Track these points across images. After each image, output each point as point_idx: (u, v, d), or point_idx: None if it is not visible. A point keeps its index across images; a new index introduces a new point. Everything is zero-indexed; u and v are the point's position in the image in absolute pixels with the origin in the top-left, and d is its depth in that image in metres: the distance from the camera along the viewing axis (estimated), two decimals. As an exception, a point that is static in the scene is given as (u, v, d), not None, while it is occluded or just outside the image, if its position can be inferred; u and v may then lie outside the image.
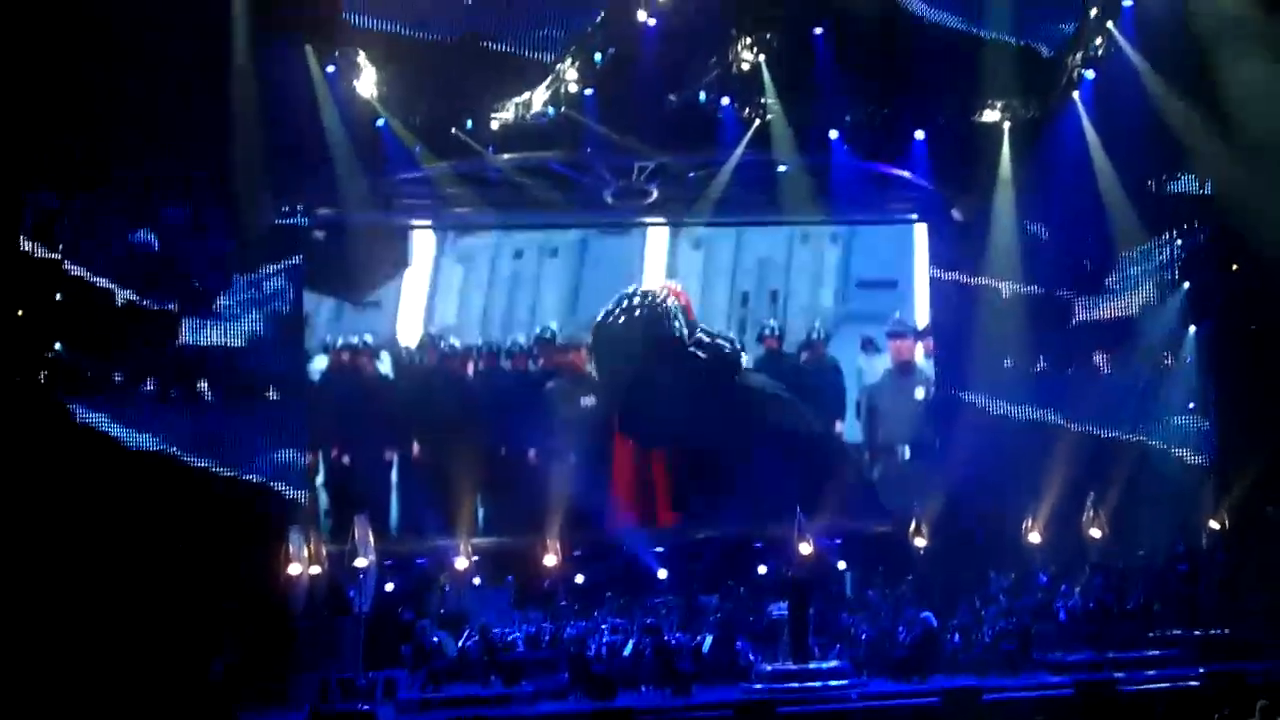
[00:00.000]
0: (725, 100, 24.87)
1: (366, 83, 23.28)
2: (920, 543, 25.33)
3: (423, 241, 26.22)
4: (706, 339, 26.62)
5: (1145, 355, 26.22)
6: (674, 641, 21.87)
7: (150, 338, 22.88)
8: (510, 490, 25.94)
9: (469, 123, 23.99)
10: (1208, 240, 25.55)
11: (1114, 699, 19.50)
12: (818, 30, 24.39)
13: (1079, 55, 25.33)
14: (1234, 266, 25.38)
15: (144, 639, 20.18)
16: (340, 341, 25.43)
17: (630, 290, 26.56)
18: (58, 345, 22.04)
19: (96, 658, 19.70)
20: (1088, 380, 26.23)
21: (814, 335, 27.04)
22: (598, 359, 26.40)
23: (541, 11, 23.67)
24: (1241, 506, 24.88)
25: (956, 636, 22.34)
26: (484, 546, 24.91)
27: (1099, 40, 25.01)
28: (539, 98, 23.88)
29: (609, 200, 25.99)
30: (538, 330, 26.24)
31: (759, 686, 21.04)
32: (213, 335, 23.43)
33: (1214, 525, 24.96)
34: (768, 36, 24.28)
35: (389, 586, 23.72)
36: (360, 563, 23.06)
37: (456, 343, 26.00)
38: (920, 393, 27.36)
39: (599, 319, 26.39)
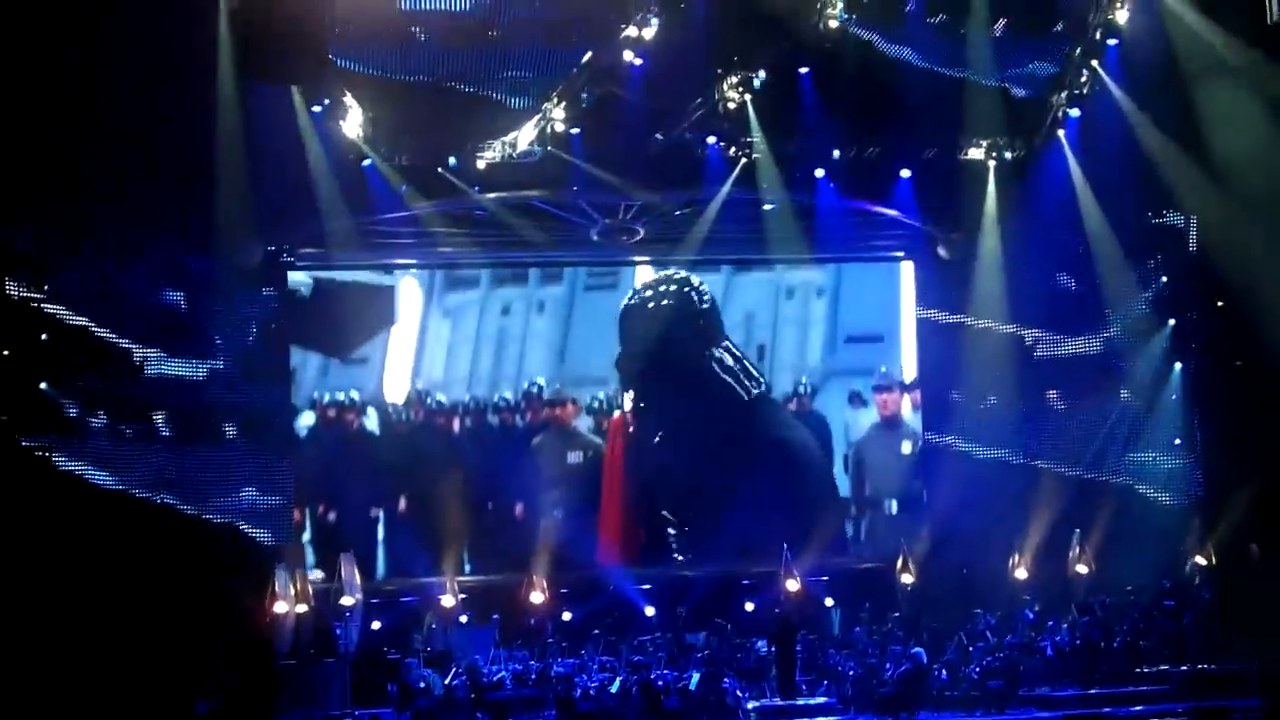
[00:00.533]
0: (711, 139, 24.99)
1: (352, 123, 23.26)
2: (907, 580, 25.33)
3: (409, 297, 26.26)
4: (731, 358, 26.85)
5: (1131, 393, 26.25)
6: (661, 679, 21.80)
7: (131, 377, 22.79)
8: (497, 534, 26.04)
9: (455, 162, 24.04)
10: (1193, 278, 25.56)
11: (1101, 735, 19.57)
12: (803, 70, 24.51)
13: (1064, 94, 25.41)
14: (1219, 304, 25.39)
15: (128, 678, 20.08)
16: (327, 398, 25.51)
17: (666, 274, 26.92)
18: (42, 385, 21.99)
19: (80, 697, 19.60)
20: (1074, 417, 26.23)
21: (800, 390, 27.18)
22: (621, 338, 26.68)
23: (528, 51, 23.79)
24: (1227, 543, 24.90)
25: (943, 673, 22.30)
26: (471, 585, 24.89)
27: (1084, 79, 25.10)
28: (525, 137, 23.87)
29: (595, 239, 26.08)
30: (525, 385, 26.32)
31: (746, 724, 21.09)
32: (195, 374, 23.37)
33: (1200, 562, 24.96)
34: (753, 76, 24.30)
35: (375, 625, 23.64)
36: (346, 601, 23.05)
37: (443, 399, 26.15)
38: (907, 446, 27.46)
39: (627, 300, 26.81)
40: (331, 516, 25.43)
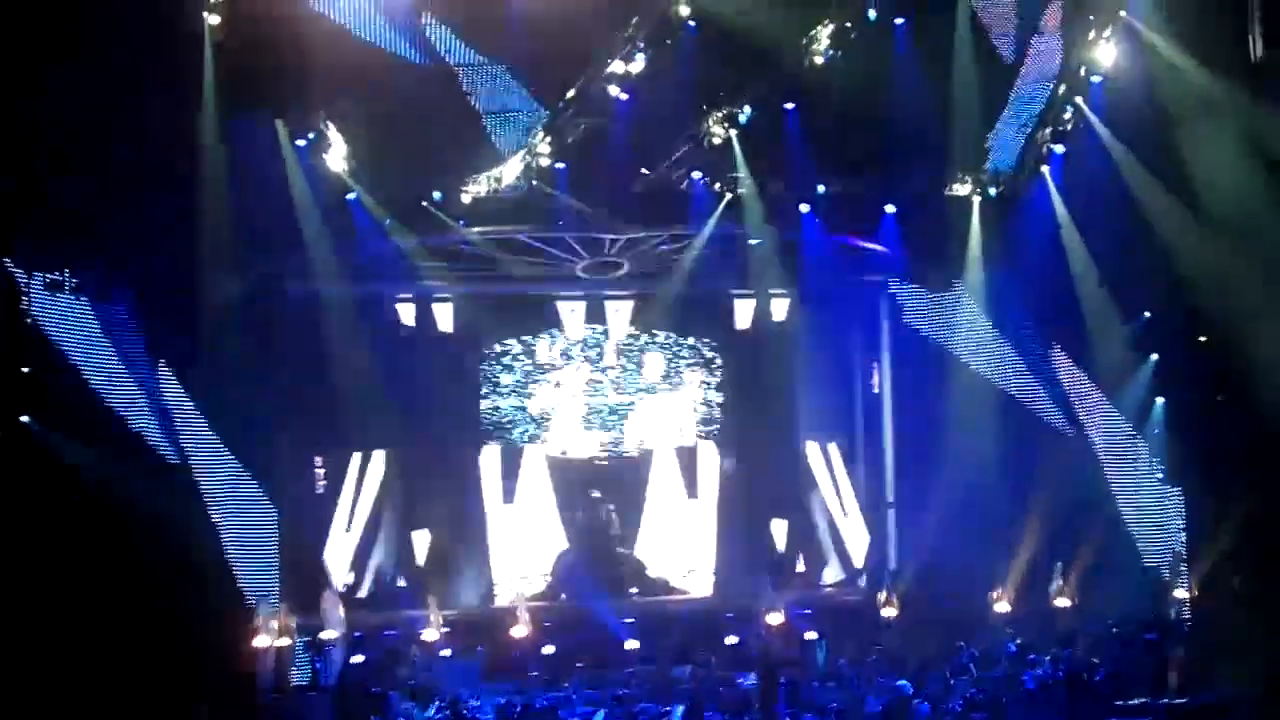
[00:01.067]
0: (696, 174, 25.00)
1: (337, 156, 23.31)
2: (889, 613, 25.39)
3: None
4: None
5: (1114, 426, 26.31)
6: (645, 713, 21.78)
7: (111, 406, 22.76)
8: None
9: (440, 196, 24.04)
10: (1176, 313, 25.63)
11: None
12: (789, 105, 24.62)
13: (1048, 130, 25.55)
14: (1202, 339, 25.48)
15: (107, 714, 20.04)
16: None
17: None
18: (24, 418, 21.92)
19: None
20: (1056, 450, 26.23)
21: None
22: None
23: (514, 86, 23.86)
24: (1210, 576, 24.98)
25: (926, 706, 22.29)
26: (454, 617, 24.88)
27: (1068, 115, 25.24)
28: (511, 171, 23.94)
29: (580, 274, 26.18)
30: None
31: (730, 756, 21.08)
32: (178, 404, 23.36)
33: (1182, 595, 25.05)
34: (739, 111, 24.41)
35: (357, 659, 23.60)
36: (328, 635, 23.05)
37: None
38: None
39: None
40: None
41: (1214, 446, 25.36)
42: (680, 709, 22.06)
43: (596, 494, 27.41)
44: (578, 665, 23.88)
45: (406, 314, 26.62)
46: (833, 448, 28.30)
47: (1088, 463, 26.26)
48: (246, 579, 23.39)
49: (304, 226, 23.42)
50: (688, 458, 28.01)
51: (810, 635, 25.09)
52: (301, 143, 23.15)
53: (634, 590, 27.03)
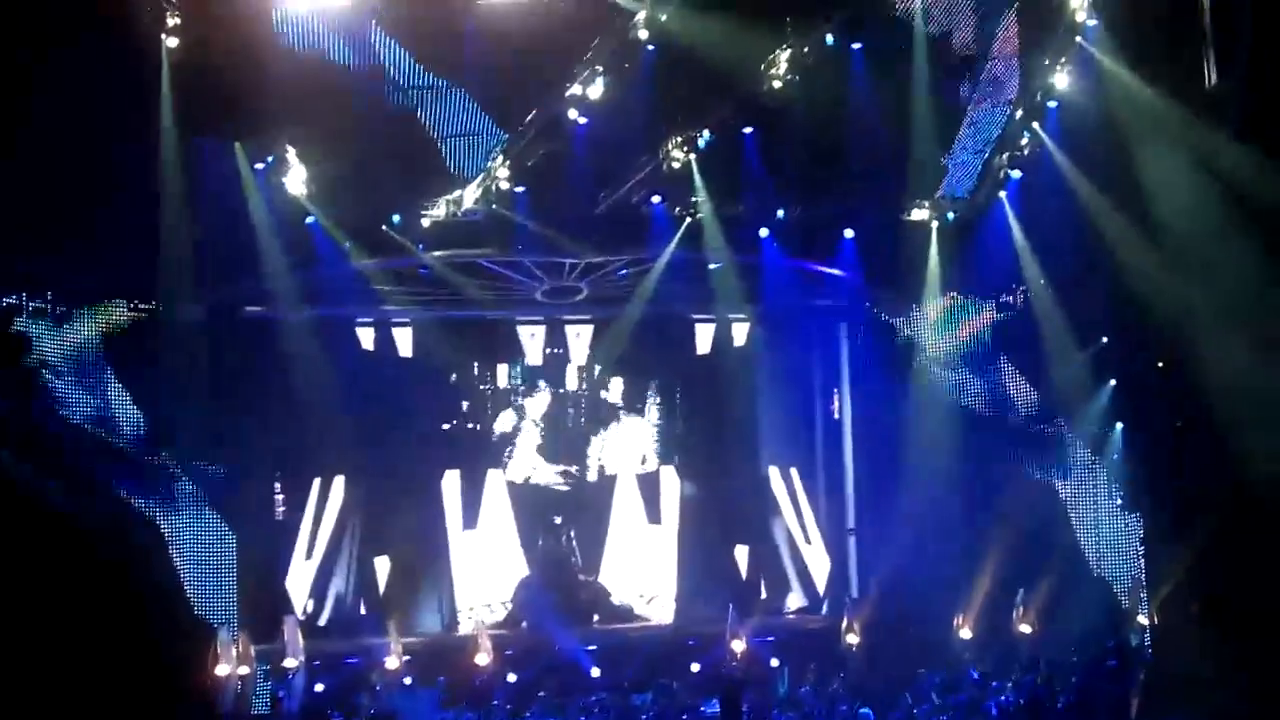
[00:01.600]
0: (656, 198, 25.05)
1: (296, 180, 23.28)
2: (852, 640, 25.37)
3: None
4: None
5: (1073, 452, 26.35)
6: (607, 740, 21.79)
7: (70, 432, 22.65)
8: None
9: (399, 220, 24.03)
10: (1133, 339, 25.70)
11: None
12: (748, 129, 24.68)
13: (1005, 155, 25.64)
14: (1159, 364, 25.55)
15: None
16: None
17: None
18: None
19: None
20: (1016, 477, 26.25)
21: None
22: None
23: (473, 109, 23.86)
24: (1169, 603, 25.00)
25: (889, 733, 22.34)
26: (415, 645, 24.77)
27: (1025, 140, 25.34)
28: (470, 195, 23.91)
29: (540, 298, 26.17)
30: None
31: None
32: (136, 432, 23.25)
33: (1142, 621, 25.08)
34: (698, 136, 24.45)
35: (319, 687, 23.50)
36: (289, 663, 22.94)
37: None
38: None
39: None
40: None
41: (1172, 472, 25.40)
42: (643, 736, 22.15)
43: (558, 520, 27.36)
44: (540, 693, 23.69)
45: (366, 338, 26.56)
46: (794, 473, 28.30)
47: (1047, 489, 26.27)
48: (206, 606, 23.26)
49: (263, 250, 23.35)
50: (649, 483, 27.98)
51: (773, 662, 25.09)
52: (260, 166, 23.10)
53: (596, 617, 26.97)
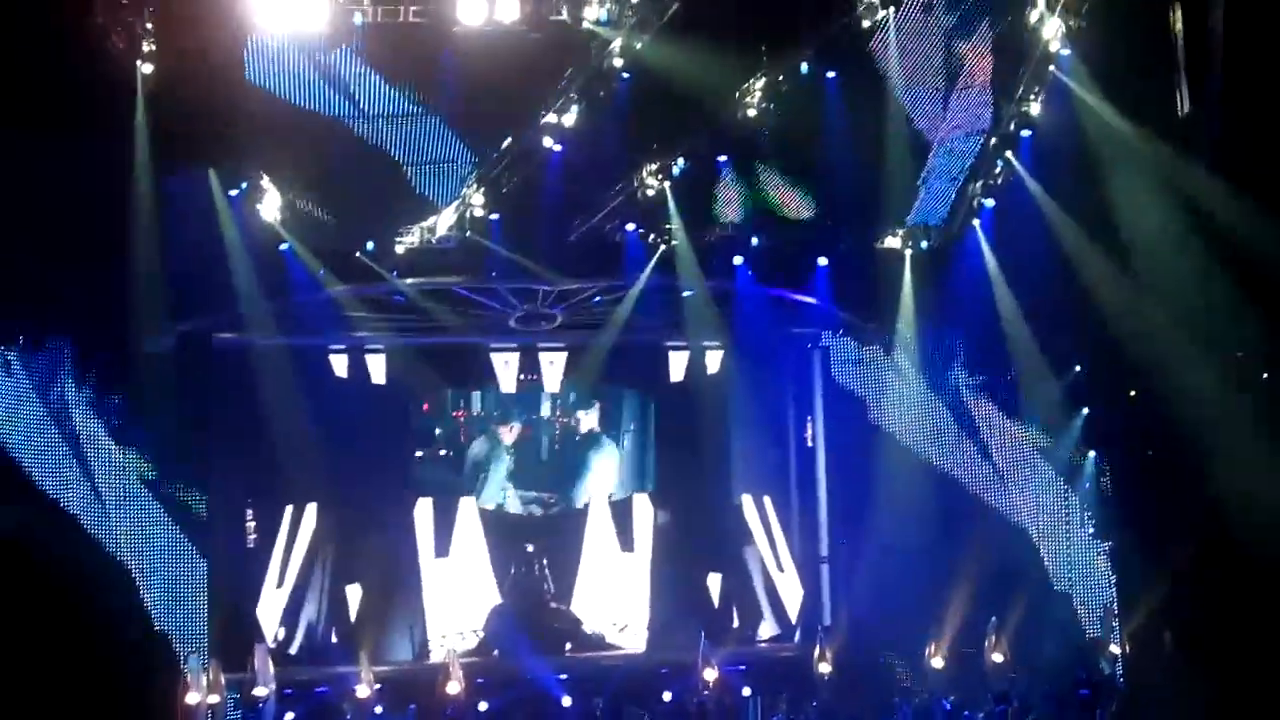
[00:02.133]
0: (630, 226, 25.09)
1: (270, 206, 23.25)
2: (825, 669, 25.33)
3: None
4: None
5: (1045, 481, 26.38)
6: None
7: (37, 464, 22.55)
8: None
9: (373, 247, 24.03)
10: (1106, 368, 25.76)
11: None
12: (722, 157, 24.76)
13: (979, 184, 25.72)
14: (1131, 394, 25.62)
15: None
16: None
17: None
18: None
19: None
20: (988, 505, 26.27)
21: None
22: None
23: (448, 137, 23.87)
24: (1141, 632, 25.05)
25: (862, 762, 22.34)
26: (386, 673, 24.67)
27: (998, 169, 25.41)
28: (444, 222, 23.95)
29: (513, 325, 26.12)
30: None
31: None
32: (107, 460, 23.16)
33: (1114, 651, 25.12)
34: (672, 163, 24.50)
35: (289, 716, 23.40)
36: (259, 692, 22.85)
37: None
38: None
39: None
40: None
41: (1145, 500, 25.45)
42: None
43: (530, 548, 27.31)
44: (511, 724, 23.76)
45: (339, 365, 26.46)
46: (767, 501, 28.25)
47: (1020, 518, 26.29)
48: (177, 635, 23.16)
49: (237, 277, 23.30)
50: (622, 511, 27.94)
51: (745, 691, 25.04)
52: (234, 193, 23.08)
53: (569, 646, 26.88)
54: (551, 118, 23.38)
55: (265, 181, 23.14)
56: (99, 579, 22.12)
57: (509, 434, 27.67)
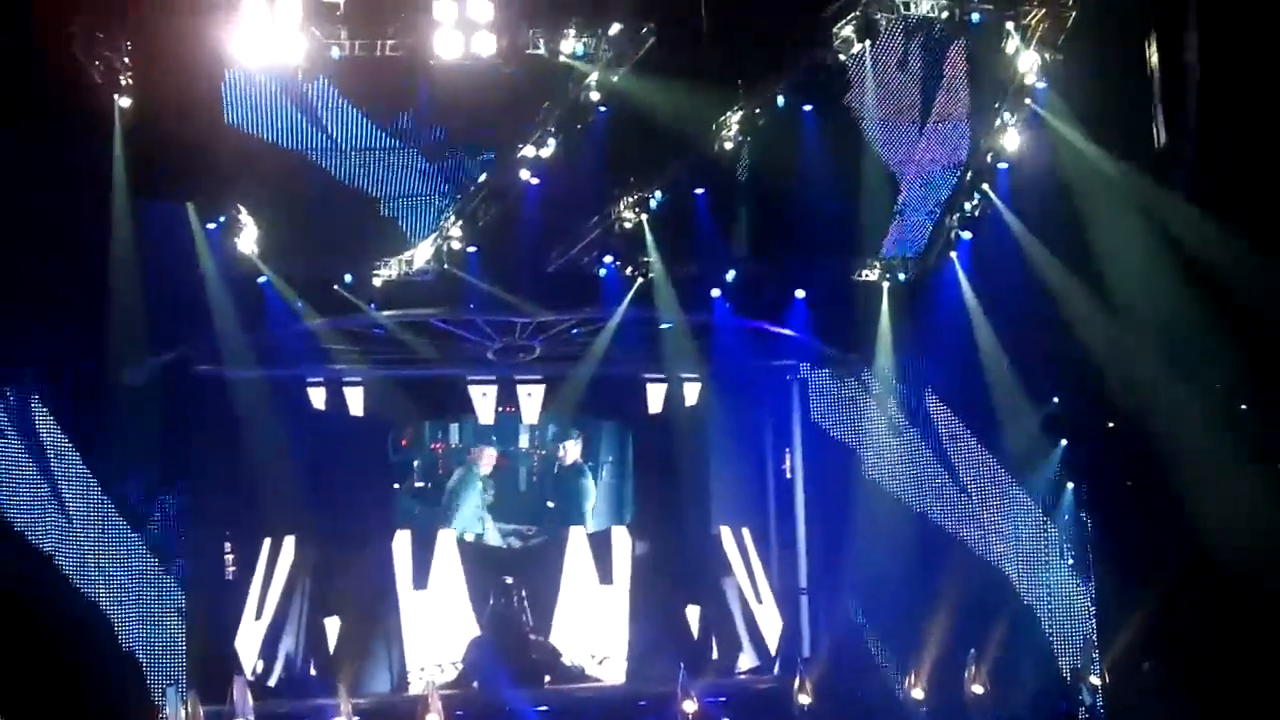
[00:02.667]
0: (608, 258, 25.12)
1: (248, 239, 23.28)
2: (804, 700, 25.26)
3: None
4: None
5: (1024, 512, 26.39)
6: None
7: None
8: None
9: (351, 279, 24.01)
10: (1084, 399, 25.81)
11: None
12: (699, 190, 24.81)
13: (956, 216, 25.77)
14: (1109, 425, 25.67)
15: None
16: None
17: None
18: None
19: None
20: (967, 537, 26.28)
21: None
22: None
23: (426, 170, 23.90)
24: (1120, 663, 25.06)
25: (840, 794, 22.31)
26: (365, 706, 24.57)
27: (975, 201, 25.47)
28: (422, 255, 23.97)
29: (491, 357, 26.13)
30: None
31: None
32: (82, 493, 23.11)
33: (1094, 681, 25.13)
34: (650, 196, 24.55)
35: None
36: (237, 724, 22.80)
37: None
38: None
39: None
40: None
41: (1124, 532, 25.50)
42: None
43: (509, 580, 27.24)
44: (491, 755, 23.69)
45: (318, 398, 26.45)
46: (746, 532, 28.21)
47: (999, 549, 26.30)
48: (154, 667, 23.12)
49: (215, 309, 23.32)
50: (601, 543, 27.85)
51: (724, 723, 25.05)
52: (212, 225, 23.10)
53: (548, 678, 26.78)
54: (529, 150, 23.41)
55: (243, 214, 23.15)
56: (73, 611, 22.07)
57: (487, 465, 27.60)
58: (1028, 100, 24.39)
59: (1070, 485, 26.35)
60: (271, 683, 25.51)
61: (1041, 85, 24.19)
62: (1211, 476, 23.10)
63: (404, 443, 27.54)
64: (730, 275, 25.73)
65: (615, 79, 22.97)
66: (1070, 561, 26.30)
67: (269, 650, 25.70)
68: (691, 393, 27.89)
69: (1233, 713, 22.29)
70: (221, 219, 23.15)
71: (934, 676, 25.39)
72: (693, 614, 27.87)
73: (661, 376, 27.61)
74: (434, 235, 23.99)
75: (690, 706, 23.63)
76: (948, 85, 25.00)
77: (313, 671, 25.81)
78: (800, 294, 25.96)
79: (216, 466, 24.65)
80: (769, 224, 25.08)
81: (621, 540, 27.91)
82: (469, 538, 27.33)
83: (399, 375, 26.32)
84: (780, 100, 24.26)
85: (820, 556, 27.38)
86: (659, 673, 25.86)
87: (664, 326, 26.20)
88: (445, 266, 24.02)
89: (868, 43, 23.90)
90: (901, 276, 26.33)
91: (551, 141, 23.34)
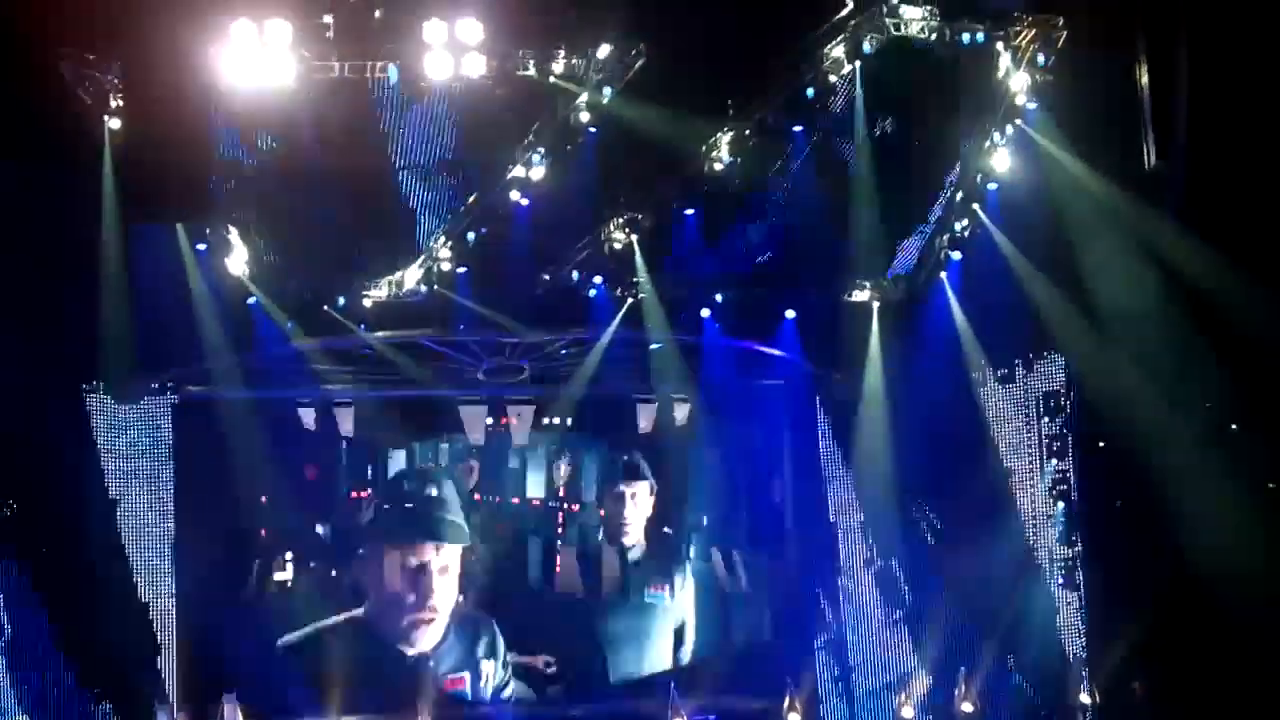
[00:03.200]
0: (598, 279, 25.12)
1: (237, 260, 23.26)
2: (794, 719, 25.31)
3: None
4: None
5: (1014, 532, 26.40)
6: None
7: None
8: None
9: (341, 300, 24.05)
10: (1074, 420, 25.84)
11: None
12: (689, 210, 24.82)
13: (945, 236, 25.80)
14: (1099, 445, 25.69)
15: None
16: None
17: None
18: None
19: None
20: (957, 557, 26.27)
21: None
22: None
23: (415, 190, 23.92)
24: (1111, 682, 25.06)
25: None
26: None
27: (965, 222, 25.49)
28: (411, 276, 23.99)
29: (481, 377, 26.13)
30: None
31: None
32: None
33: (1084, 700, 25.13)
34: (639, 216, 24.58)
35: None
36: (230, 746, 22.78)
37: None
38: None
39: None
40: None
41: (1114, 551, 25.52)
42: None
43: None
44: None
45: (308, 418, 26.40)
46: (735, 554, 28.19)
47: (989, 568, 26.29)
48: (143, 687, 23.11)
49: (205, 331, 23.32)
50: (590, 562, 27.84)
51: (714, 741, 25.03)
52: (202, 247, 23.11)
53: (538, 696, 26.74)
54: (519, 171, 23.40)
55: (233, 236, 23.13)
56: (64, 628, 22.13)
57: (470, 478, 27.56)
58: (1018, 120, 24.38)
59: (1060, 504, 26.34)
60: (262, 703, 25.45)
61: (1032, 106, 24.19)
62: (1201, 496, 23.11)
63: (393, 463, 27.49)
64: (720, 296, 25.74)
65: (605, 100, 22.97)
66: (1060, 580, 26.29)
67: (260, 669, 25.64)
68: (681, 413, 27.89)
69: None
70: (211, 240, 23.14)
71: (925, 695, 25.40)
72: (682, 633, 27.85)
73: (651, 397, 27.61)
74: (423, 256, 24.00)
75: (680, 725, 23.64)
76: (938, 106, 25.02)
77: (304, 690, 25.74)
78: (790, 314, 26.01)
79: (206, 487, 24.60)
80: (759, 244, 25.07)
81: (610, 560, 27.87)
82: (459, 558, 27.28)
83: (389, 396, 26.32)
84: (770, 120, 24.29)
85: (810, 577, 27.34)
86: (650, 694, 25.84)
87: (654, 347, 26.21)
88: (435, 287, 24.05)
89: (858, 63, 23.89)
90: (892, 296, 26.31)
91: (541, 162, 23.34)
